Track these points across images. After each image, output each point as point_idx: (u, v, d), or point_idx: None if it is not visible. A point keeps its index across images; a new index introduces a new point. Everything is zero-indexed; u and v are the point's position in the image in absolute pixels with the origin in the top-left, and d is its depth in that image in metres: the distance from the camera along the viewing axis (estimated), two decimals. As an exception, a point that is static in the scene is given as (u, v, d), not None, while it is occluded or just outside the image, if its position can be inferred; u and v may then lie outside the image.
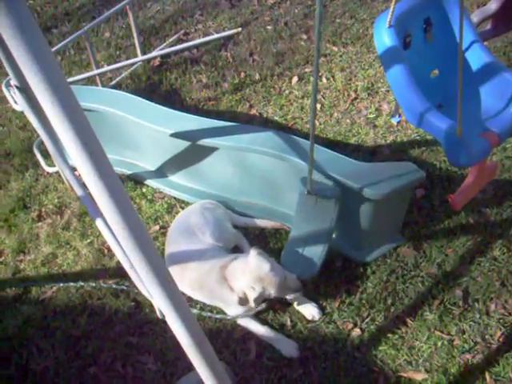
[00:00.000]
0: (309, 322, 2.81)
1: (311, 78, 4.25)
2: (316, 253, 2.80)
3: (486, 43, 4.03)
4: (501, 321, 2.70)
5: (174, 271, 2.81)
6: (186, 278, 2.83)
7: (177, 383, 2.62)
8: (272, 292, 2.65)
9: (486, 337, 2.66)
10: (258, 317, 2.85)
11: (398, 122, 3.70)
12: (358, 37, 4.55)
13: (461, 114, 2.27)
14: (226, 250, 3.07)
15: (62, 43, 3.96)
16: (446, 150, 2.48)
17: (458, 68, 2.19)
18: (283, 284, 2.65)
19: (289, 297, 2.87)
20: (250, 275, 2.63)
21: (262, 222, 3.27)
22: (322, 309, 2.85)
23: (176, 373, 2.71)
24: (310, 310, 2.83)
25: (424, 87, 2.50)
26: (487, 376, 2.52)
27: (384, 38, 2.49)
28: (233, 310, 2.81)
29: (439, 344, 2.65)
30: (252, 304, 2.68)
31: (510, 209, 3.13)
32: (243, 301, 2.67)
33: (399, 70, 2.47)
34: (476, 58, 2.68)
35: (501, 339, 2.64)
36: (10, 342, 2.95)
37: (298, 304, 2.86)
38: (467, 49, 2.68)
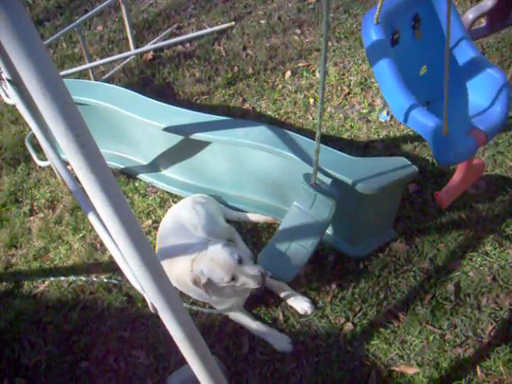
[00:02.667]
0: (301, 316, 2.82)
1: (304, 73, 4.24)
2: (298, 256, 2.69)
3: (479, 40, 4.07)
4: (492, 315, 2.72)
5: (164, 266, 2.78)
6: (173, 274, 2.82)
7: (169, 377, 2.62)
8: (223, 276, 2.52)
9: (478, 331, 2.67)
10: (251, 312, 2.85)
11: (391, 117, 3.72)
12: (351, 31, 4.54)
13: (447, 112, 2.27)
14: None
15: (55, 36, 3.94)
16: (432, 148, 2.48)
17: (445, 65, 2.18)
18: (235, 267, 2.52)
19: (282, 294, 2.87)
20: (203, 258, 2.59)
21: (254, 217, 3.27)
22: (314, 303, 2.85)
23: (168, 367, 2.71)
24: (301, 305, 2.83)
25: (412, 84, 2.49)
26: (478, 370, 2.54)
27: (371, 34, 2.48)
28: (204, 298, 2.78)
29: (431, 338, 2.67)
30: (202, 289, 2.60)
31: (502, 204, 3.14)
32: (197, 284, 2.61)
33: (386, 66, 2.46)
34: (464, 55, 2.68)
35: (492, 333, 2.65)
36: (1, 336, 2.95)
37: (290, 299, 2.86)
38: (455, 46, 2.68)
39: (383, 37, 2.46)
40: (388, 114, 3.10)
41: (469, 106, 2.71)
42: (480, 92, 2.67)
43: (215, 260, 2.55)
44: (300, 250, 2.70)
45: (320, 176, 2.69)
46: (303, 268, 2.76)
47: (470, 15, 3.09)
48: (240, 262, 2.55)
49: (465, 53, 2.67)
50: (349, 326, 2.76)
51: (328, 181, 2.71)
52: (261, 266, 2.62)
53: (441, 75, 2.27)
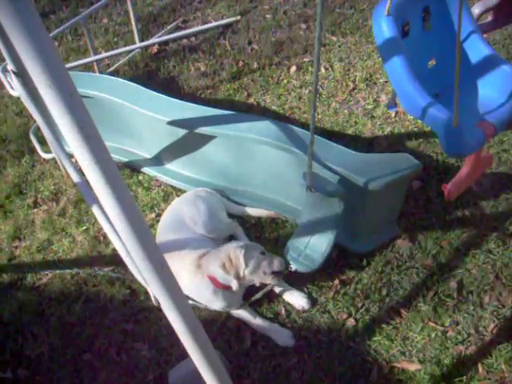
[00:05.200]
0: (303, 311, 2.82)
1: (310, 68, 4.24)
2: (319, 250, 2.77)
3: (485, 34, 4.05)
4: (494, 313, 2.71)
5: None
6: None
7: (171, 371, 2.63)
8: (245, 272, 2.62)
9: (480, 329, 2.67)
10: (252, 307, 2.85)
11: (396, 113, 3.70)
12: (357, 27, 4.53)
13: (458, 104, 2.26)
14: (218, 240, 3.04)
15: (60, 29, 3.94)
16: (441, 140, 2.47)
17: (456, 58, 2.18)
18: (257, 264, 2.65)
19: (278, 289, 2.88)
20: (220, 256, 2.64)
21: (257, 211, 3.27)
22: (311, 298, 2.85)
23: (170, 360, 2.71)
24: (298, 301, 2.83)
25: (421, 76, 2.49)
26: (480, 367, 2.53)
27: (382, 26, 2.48)
28: (204, 296, 2.77)
29: (433, 335, 2.67)
30: (232, 285, 2.67)
31: (506, 202, 3.13)
32: (221, 288, 2.69)
33: (397, 58, 2.46)
34: (474, 48, 2.68)
35: (494, 331, 2.65)
36: (4, 327, 2.96)
37: (286, 294, 2.86)
38: (465, 39, 2.68)
39: (394, 28, 2.46)
40: (396, 105, 3.09)
41: (478, 99, 2.71)
42: (489, 85, 2.66)
43: (233, 258, 2.62)
44: (322, 238, 2.76)
45: (317, 172, 2.69)
46: (325, 260, 2.78)
47: (476, 10, 3.08)
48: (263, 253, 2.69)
49: (474, 45, 2.67)
50: (351, 322, 2.76)
51: (326, 178, 2.71)
52: (286, 259, 2.77)
53: (450, 67, 2.27)
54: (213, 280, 2.67)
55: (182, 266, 2.75)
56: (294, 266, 2.78)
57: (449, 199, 2.71)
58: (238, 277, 2.64)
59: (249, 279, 2.68)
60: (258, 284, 2.73)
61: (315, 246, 2.78)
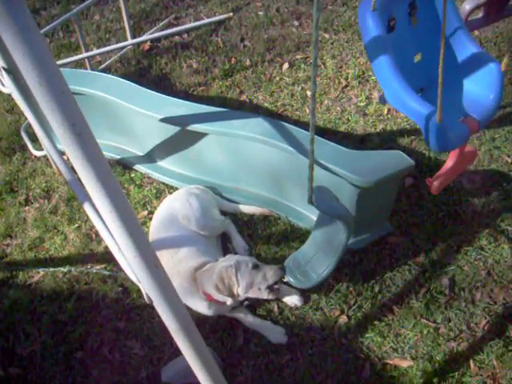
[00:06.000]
0: (296, 308, 2.82)
1: (302, 65, 4.24)
2: (318, 271, 2.71)
3: (477, 32, 4.06)
4: (486, 309, 2.73)
5: None
6: None
7: (163, 368, 2.63)
8: (238, 290, 2.62)
9: (472, 325, 2.68)
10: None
11: (389, 110, 3.71)
12: (349, 24, 4.53)
13: (441, 99, 2.27)
14: (211, 238, 3.05)
15: (51, 25, 3.92)
16: (425, 135, 2.48)
17: (440, 53, 2.18)
18: (250, 281, 2.62)
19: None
20: (213, 276, 2.62)
21: (250, 209, 3.27)
22: (304, 295, 2.85)
23: (163, 358, 2.71)
24: (291, 298, 2.83)
25: (407, 71, 2.50)
26: (471, 363, 2.55)
27: (368, 21, 2.48)
28: (198, 308, 2.77)
29: (425, 332, 2.68)
30: (227, 301, 2.69)
31: (498, 199, 3.15)
32: (214, 306, 2.72)
33: (382, 53, 2.47)
34: (459, 44, 2.69)
35: (486, 328, 2.67)
36: (-4, 325, 2.95)
37: (280, 292, 2.86)
38: (451, 34, 2.69)
39: (379, 23, 2.47)
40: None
41: (462, 94, 2.72)
42: (474, 80, 2.68)
43: (225, 278, 2.60)
44: (324, 260, 2.70)
45: (316, 175, 2.65)
46: (321, 281, 2.72)
47: (467, 6, 3.08)
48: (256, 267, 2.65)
49: (460, 41, 2.68)
50: (343, 319, 2.77)
51: (325, 180, 2.68)
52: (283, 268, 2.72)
53: (435, 62, 2.27)
54: (207, 295, 2.67)
55: (175, 269, 2.75)
56: (287, 278, 2.75)
57: (432, 193, 2.72)
58: (232, 295, 2.64)
59: (244, 295, 2.67)
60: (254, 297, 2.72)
61: (315, 266, 2.73)
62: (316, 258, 2.74)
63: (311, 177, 2.37)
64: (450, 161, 2.66)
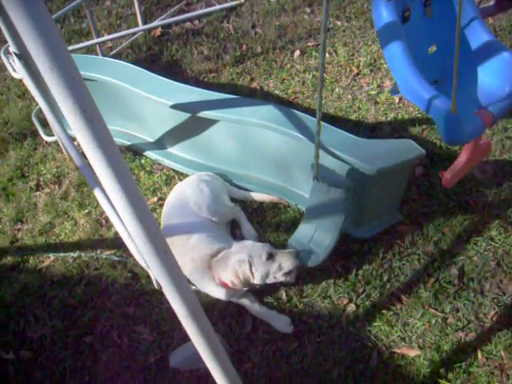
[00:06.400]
0: (304, 296, 2.82)
1: (314, 53, 4.21)
2: (323, 245, 2.75)
3: (491, 20, 4.01)
4: (495, 300, 2.72)
5: None
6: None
7: (172, 354, 2.65)
8: (254, 282, 2.64)
9: (480, 315, 2.68)
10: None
11: (400, 99, 3.68)
12: (362, 11, 4.49)
13: (456, 91, 2.25)
14: (221, 224, 3.06)
15: (62, 11, 3.90)
16: (439, 128, 2.46)
17: (456, 45, 2.16)
18: (266, 272, 2.63)
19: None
20: (227, 270, 2.64)
21: (259, 196, 3.27)
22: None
23: (171, 343, 2.73)
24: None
25: (421, 63, 2.47)
26: (479, 354, 2.55)
27: (382, 11, 2.45)
28: (215, 294, 2.79)
29: (433, 321, 2.68)
30: (244, 289, 2.71)
31: (509, 189, 3.13)
32: (230, 292, 2.73)
33: (396, 44, 2.44)
34: (474, 34, 2.65)
35: (494, 318, 2.66)
36: (7, 309, 2.97)
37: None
38: (466, 25, 2.65)
39: (394, 14, 2.44)
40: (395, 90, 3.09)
41: (477, 86, 2.69)
42: (489, 72, 2.64)
43: (239, 272, 2.61)
44: (326, 234, 2.73)
45: (326, 162, 2.67)
46: (330, 252, 2.75)
47: None
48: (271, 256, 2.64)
49: (476, 32, 2.64)
50: (352, 307, 2.77)
51: (335, 168, 2.69)
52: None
53: (449, 54, 2.25)
54: (223, 283, 2.69)
55: (189, 256, 2.76)
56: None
57: (445, 186, 2.70)
58: (248, 285, 2.67)
59: (261, 283, 2.68)
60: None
61: (319, 241, 2.76)
62: (317, 234, 2.77)
63: (317, 154, 2.46)
64: (464, 154, 2.63)
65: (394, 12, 2.44)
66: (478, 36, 2.65)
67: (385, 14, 2.44)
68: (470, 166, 2.74)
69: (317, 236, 2.77)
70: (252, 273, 2.61)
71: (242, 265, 2.60)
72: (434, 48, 2.80)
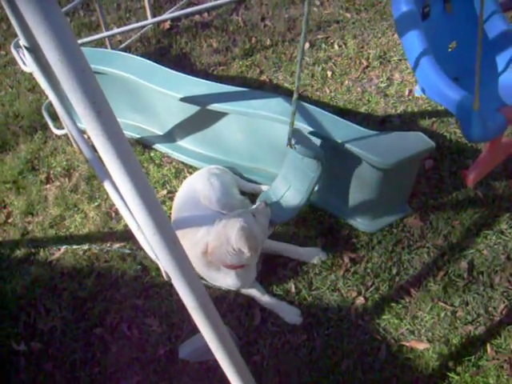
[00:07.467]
0: (313, 289, 2.83)
1: (323, 45, 4.19)
2: (292, 204, 2.82)
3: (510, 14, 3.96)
4: (504, 294, 2.71)
5: None
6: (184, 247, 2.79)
7: (181, 346, 2.66)
8: (243, 249, 2.57)
9: (489, 309, 2.67)
10: (263, 284, 2.87)
11: (410, 91, 3.67)
12: (371, 3, 4.46)
13: (479, 87, 2.22)
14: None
15: (72, 4, 3.91)
16: (461, 124, 2.43)
17: (478, 41, 2.13)
18: (264, 227, 2.69)
19: (292, 255, 2.93)
20: (227, 248, 2.61)
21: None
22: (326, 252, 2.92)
23: (181, 335, 2.75)
24: (314, 254, 2.90)
25: (441, 59, 2.44)
26: (488, 347, 2.54)
27: (402, 7, 2.43)
28: (228, 283, 2.79)
29: (442, 315, 2.67)
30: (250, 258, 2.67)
31: (520, 182, 3.11)
32: (240, 274, 2.74)
33: (416, 40, 2.42)
34: (496, 30, 2.62)
35: (504, 312, 2.65)
36: (18, 301, 3.00)
37: (300, 254, 2.93)
38: (487, 20, 2.61)
39: (414, 11, 2.41)
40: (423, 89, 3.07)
41: (499, 83, 2.65)
42: (511, 68, 2.61)
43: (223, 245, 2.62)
44: (296, 195, 2.82)
45: (302, 134, 2.73)
46: (298, 213, 2.85)
47: None
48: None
49: (497, 28, 2.61)
50: (360, 300, 2.77)
51: (310, 139, 2.74)
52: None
53: (470, 51, 2.23)
54: (230, 266, 2.68)
55: (192, 245, 2.76)
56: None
57: (468, 184, 2.67)
58: (257, 250, 2.65)
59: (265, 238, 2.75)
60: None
61: (289, 200, 2.83)
62: (288, 193, 2.85)
63: (292, 122, 2.57)
64: (486, 152, 2.61)
65: (414, 8, 2.41)
66: (499, 31, 2.61)
67: (405, 10, 2.42)
68: (493, 164, 2.70)
69: (288, 195, 2.84)
70: (257, 235, 2.60)
71: (245, 231, 2.55)
72: (454, 44, 2.77)
